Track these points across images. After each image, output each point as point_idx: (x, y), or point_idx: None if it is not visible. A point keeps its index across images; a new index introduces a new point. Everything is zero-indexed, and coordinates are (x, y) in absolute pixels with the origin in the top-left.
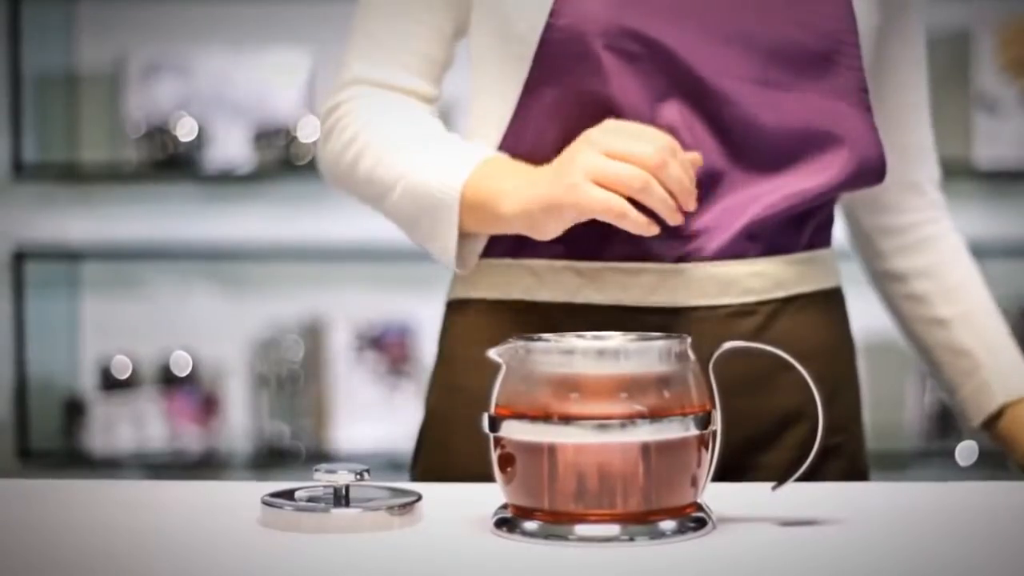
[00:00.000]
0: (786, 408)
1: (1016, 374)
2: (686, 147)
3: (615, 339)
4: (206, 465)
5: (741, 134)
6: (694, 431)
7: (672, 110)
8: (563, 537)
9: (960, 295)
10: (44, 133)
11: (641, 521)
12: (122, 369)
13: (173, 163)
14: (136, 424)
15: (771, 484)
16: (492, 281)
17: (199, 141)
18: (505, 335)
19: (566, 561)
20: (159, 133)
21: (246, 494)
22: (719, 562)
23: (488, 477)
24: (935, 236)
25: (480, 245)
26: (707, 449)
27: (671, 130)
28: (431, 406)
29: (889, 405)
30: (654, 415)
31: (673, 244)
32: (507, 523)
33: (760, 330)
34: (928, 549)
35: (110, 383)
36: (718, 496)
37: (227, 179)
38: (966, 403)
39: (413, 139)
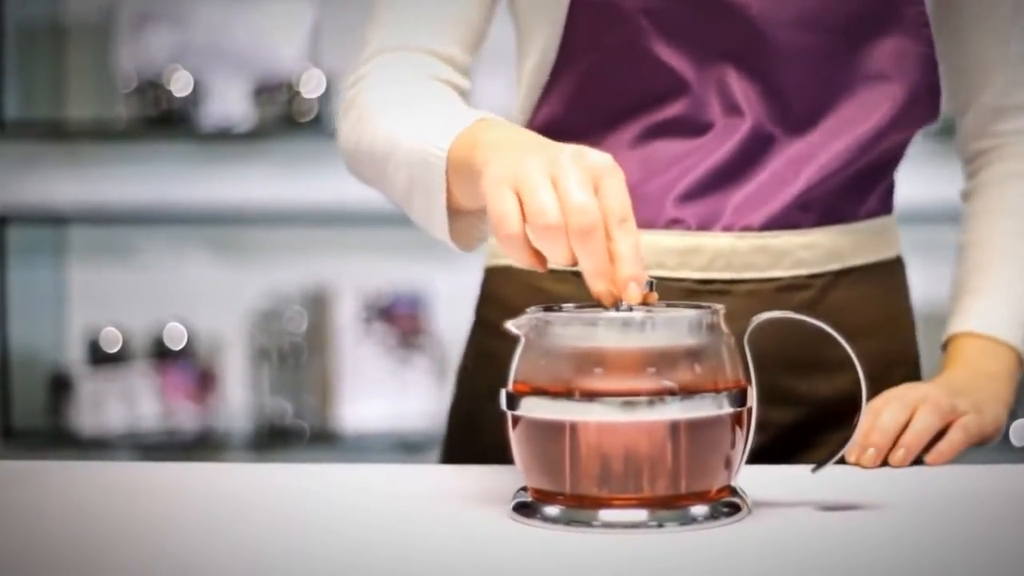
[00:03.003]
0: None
1: (975, 309)
2: (736, 109)
3: (640, 310)
4: (202, 445)
5: (793, 90)
6: (728, 409)
7: (721, 69)
8: (586, 523)
9: (975, 223)
10: (28, 88)
11: (670, 506)
12: (112, 342)
13: (167, 120)
14: (127, 401)
15: (810, 466)
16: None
17: (195, 96)
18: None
19: (589, 548)
20: (152, 88)
21: (245, 476)
22: (754, 550)
23: None
24: (996, 159)
25: (482, 223)
26: (742, 428)
27: (723, 91)
28: (463, 372)
29: None
30: (684, 391)
31: (720, 215)
32: (526, 508)
33: (813, 304)
34: (978, 536)
35: (99, 357)
36: (753, 479)
37: (225, 137)
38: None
39: (413, 108)
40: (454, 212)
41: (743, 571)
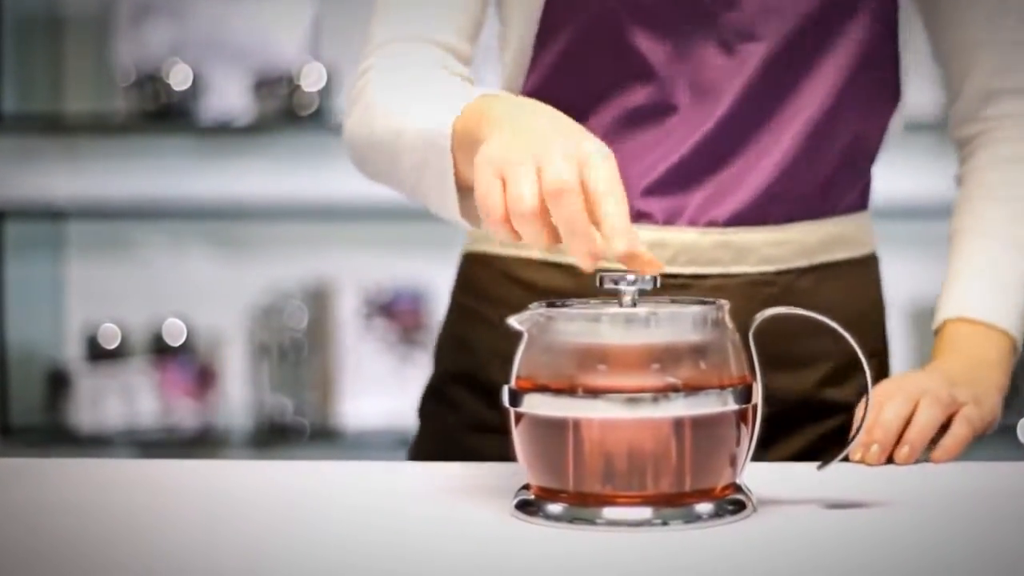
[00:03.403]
0: (812, 384)
1: (967, 294)
2: (715, 90)
3: (645, 305)
4: (202, 442)
5: (759, 76)
6: (733, 405)
7: (691, 55)
8: (590, 521)
9: (964, 209)
10: (26, 82)
11: (675, 504)
12: (110, 338)
13: (166, 114)
14: (125, 398)
15: (815, 464)
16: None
17: (194, 90)
18: (519, 294)
19: (593, 546)
20: (151, 81)
21: (245, 473)
22: (759, 548)
23: (493, 444)
24: (985, 144)
25: None
26: (747, 425)
27: (699, 74)
28: (437, 354)
29: None
30: (689, 388)
31: (685, 208)
32: (529, 505)
33: (778, 300)
34: (984, 533)
35: (97, 353)
36: (758, 476)
37: (224, 131)
38: None
39: (418, 94)
40: (465, 188)
41: (748, 569)
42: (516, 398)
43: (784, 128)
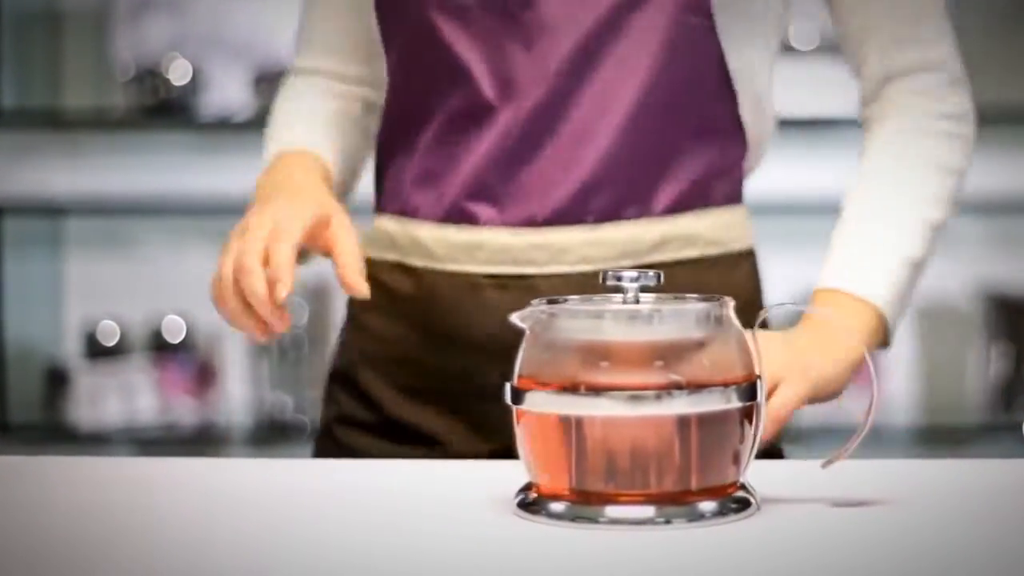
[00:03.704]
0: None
1: (835, 266)
2: (522, 88)
3: (648, 302)
4: (201, 440)
5: (567, 67)
6: (736, 403)
7: (503, 51)
8: (592, 519)
9: (854, 184)
10: (25, 77)
11: (678, 502)
12: (109, 335)
13: (165, 109)
14: (125, 395)
15: (820, 462)
16: (366, 237)
17: (194, 85)
18: (375, 294)
19: (596, 545)
20: (150, 76)
21: (244, 472)
22: (764, 546)
23: (362, 440)
24: (878, 121)
25: None
26: (751, 423)
27: (507, 72)
28: (332, 361)
29: (949, 376)
30: (692, 385)
31: (503, 208)
32: (532, 504)
33: None
34: (990, 532)
35: (96, 350)
36: (762, 475)
37: (224, 126)
38: None
39: (275, 135)
40: None
41: (752, 567)
42: (518, 396)
43: (594, 123)
